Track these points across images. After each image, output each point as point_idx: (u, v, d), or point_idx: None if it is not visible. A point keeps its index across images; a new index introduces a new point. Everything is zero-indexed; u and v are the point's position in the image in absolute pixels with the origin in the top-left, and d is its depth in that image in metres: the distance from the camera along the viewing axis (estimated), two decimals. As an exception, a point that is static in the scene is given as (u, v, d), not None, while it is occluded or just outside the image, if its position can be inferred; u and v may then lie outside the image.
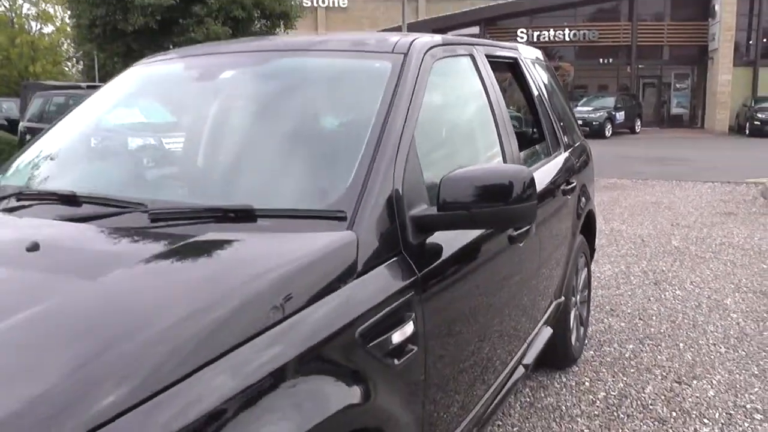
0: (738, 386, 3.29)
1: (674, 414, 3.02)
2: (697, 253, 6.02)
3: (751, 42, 30.94)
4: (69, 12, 18.55)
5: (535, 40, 35.97)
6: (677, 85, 33.28)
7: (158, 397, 1.00)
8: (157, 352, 1.05)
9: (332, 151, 1.87)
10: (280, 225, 1.56)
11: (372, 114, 1.80)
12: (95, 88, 14.75)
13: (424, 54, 2.05)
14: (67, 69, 40.85)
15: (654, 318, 4.30)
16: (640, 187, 10.69)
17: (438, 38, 2.23)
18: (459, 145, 2.36)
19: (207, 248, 1.46)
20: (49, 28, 39.71)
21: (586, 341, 3.83)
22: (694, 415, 3.00)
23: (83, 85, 16.91)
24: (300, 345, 1.25)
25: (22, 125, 11.22)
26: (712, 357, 3.66)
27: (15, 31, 37.97)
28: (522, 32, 36.38)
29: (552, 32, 35.98)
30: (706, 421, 2.96)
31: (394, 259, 1.59)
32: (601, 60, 34.27)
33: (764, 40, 30.69)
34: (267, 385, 1.16)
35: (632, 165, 13.74)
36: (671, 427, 2.90)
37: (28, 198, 1.90)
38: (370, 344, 1.42)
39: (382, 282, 1.52)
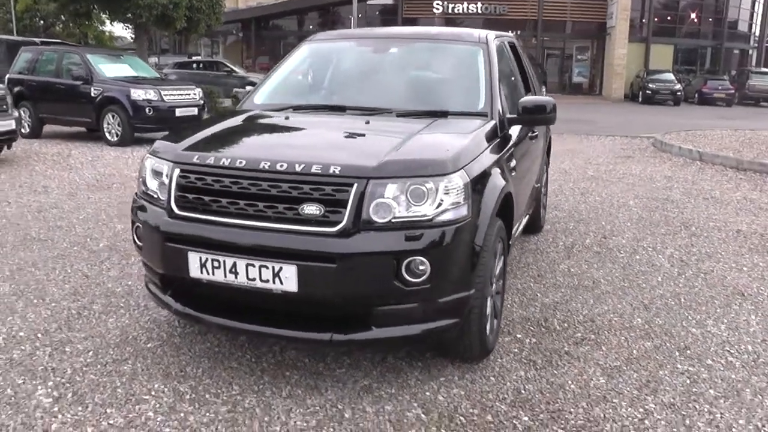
0: (638, 238, 5.48)
1: (603, 250, 5.13)
2: (607, 179, 8.31)
3: (644, 20, 34.61)
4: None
5: (450, 12, 38.06)
6: (578, 57, 36.61)
7: (472, 161, 2.81)
8: (469, 149, 2.85)
9: (470, 87, 3.69)
10: (459, 118, 3.40)
11: (480, 71, 3.70)
12: (48, 44, 15.32)
13: (492, 41, 3.97)
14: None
15: (584, 211, 6.45)
16: (555, 140, 12.88)
17: (494, 34, 4.15)
18: (509, 86, 4.25)
19: (444, 123, 3.26)
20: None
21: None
22: (614, 250, 5.13)
23: (37, 40, 17.24)
24: (492, 156, 3.09)
25: (8, 77, 11.94)
26: (623, 227, 5.84)
27: None
28: (438, 4, 38.31)
29: (465, 5, 38.06)
30: (621, 253, 5.08)
31: (505, 133, 3.49)
32: (509, 32, 36.47)
33: (655, 19, 34.49)
34: (488, 169, 2.99)
35: (548, 124, 16.18)
36: (602, 254, 5.00)
37: (303, 109, 3.61)
38: (506, 162, 3.32)
39: (505, 141, 3.42)
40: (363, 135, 3.15)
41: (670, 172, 8.95)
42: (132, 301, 3.91)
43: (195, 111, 11.36)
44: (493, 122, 3.38)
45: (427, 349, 3.20)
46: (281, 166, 2.63)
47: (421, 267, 2.53)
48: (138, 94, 10.35)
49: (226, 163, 2.73)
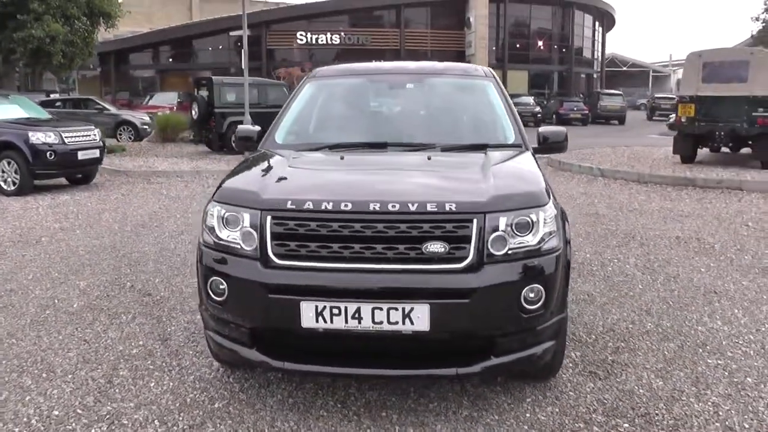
0: (598, 251, 5.99)
1: (576, 265, 5.55)
2: (532, 199, 8.92)
3: (493, 48, 37.47)
4: None
5: (313, 42, 38.88)
6: (442, 84, 38.80)
7: (551, 192, 3.01)
8: (544, 180, 3.06)
9: (495, 120, 3.92)
10: (501, 150, 3.58)
11: (498, 104, 3.96)
12: None
13: (495, 75, 4.25)
14: None
15: (534, 230, 6.91)
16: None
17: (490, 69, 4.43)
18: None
19: (496, 156, 3.39)
20: None
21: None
22: (585, 264, 5.58)
23: None
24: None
25: None
26: (577, 242, 6.34)
27: None
28: (301, 35, 39.02)
29: (329, 35, 39.10)
30: (593, 266, 5.54)
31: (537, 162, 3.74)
32: (373, 61, 38.10)
33: (505, 48, 37.49)
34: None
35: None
36: (578, 269, 5.43)
37: (342, 147, 3.61)
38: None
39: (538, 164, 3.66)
40: (441, 171, 3.25)
41: (582, 188, 9.81)
42: (159, 361, 3.66)
43: (97, 153, 10.62)
44: (528, 153, 3.62)
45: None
46: (393, 206, 2.66)
47: (533, 294, 2.69)
48: (37, 137, 9.49)
49: (330, 207, 2.70)
